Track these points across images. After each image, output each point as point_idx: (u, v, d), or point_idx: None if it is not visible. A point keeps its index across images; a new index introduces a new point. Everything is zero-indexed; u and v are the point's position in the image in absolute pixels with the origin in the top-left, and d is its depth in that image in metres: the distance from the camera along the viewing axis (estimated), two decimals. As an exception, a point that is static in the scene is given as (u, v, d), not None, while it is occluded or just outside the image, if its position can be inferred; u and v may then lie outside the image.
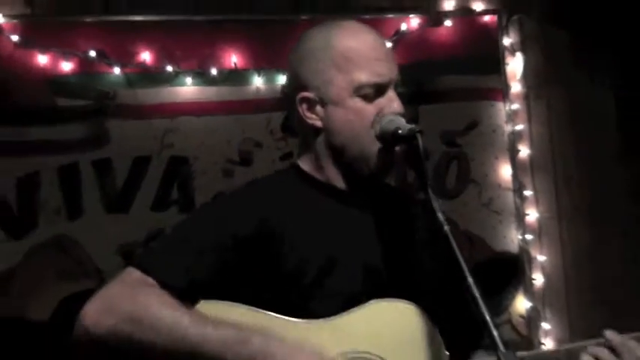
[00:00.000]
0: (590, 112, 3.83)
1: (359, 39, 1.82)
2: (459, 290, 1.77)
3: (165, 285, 1.72)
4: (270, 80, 3.51)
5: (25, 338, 3.17)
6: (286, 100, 1.92)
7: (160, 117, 3.43)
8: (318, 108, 1.83)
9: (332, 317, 1.74)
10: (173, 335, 1.66)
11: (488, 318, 1.51)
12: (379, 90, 1.80)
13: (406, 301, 1.77)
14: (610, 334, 1.72)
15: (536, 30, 3.79)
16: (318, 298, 1.77)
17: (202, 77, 3.46)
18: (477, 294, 1.53)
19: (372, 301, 1.76)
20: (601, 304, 3.60)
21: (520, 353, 1.69)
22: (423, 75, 3.57)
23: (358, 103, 1.80)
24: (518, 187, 3.67)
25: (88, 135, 3.36)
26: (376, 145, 1.79)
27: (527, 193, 3.68)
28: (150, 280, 1.73)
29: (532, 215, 3.66)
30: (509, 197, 3.66)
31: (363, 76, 1.79)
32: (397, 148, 1.78)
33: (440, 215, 1.61)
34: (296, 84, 1.87)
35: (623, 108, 3.85)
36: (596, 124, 3.83)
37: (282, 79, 3.49)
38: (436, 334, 1.77)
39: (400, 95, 1.82)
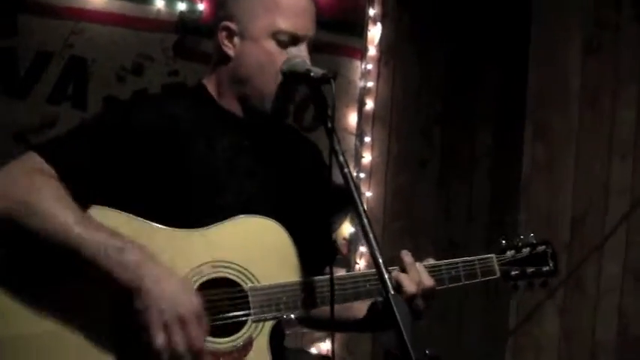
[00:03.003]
0: (422, 80, 4.52)
1: (299, 3, 1.93)
2: (324, 222, 2.10)
3: (63, 177, 1.77)
4: (170, 4, 3.82)
5: None
6: (211, 22, 2.02)
7: (67, 19, 3.64)
8: (236, 39, 1.93)
9: (206, 227, 1.84)
10: (58, 230, 1.69)
11: (380, 260, 1.61)
12: (293, 40, 1.91)
13: (272, 219, 1.89)
14: (404, 254, 1.96)
15: (393, 7, 4.37)
16: (198, 210, 1.87)
17: None
18: (372, 234, 1.64)
19: (241, 216, 1.88)
20: (408, 233, 4.41)
21: (341, 274, 1.95)
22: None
23: (272, 45, 1.90)
24: (360, 133, 4.26)
25: None
26: (276, 86, 1.90)
27: (367, 139, 4.28)
28: (47, 167, 1.78)
29: (367, 158, 4.29)
30: (352, 140, 4.24)
31: (284, 23, 1.89)
32: (300, 89, 1.89)
33: (341, 158, 1.73)
34: (223, 12, 1.96)
35: (449, 81, 4.61)
36: (427, 90, 4.54)
37: (181, 5, 3.82)
38: (295, 251, 1.90)
39: None
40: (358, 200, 1.70)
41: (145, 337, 1.70)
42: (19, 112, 3.59)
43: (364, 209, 1.70)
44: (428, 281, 1.95)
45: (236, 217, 1.87)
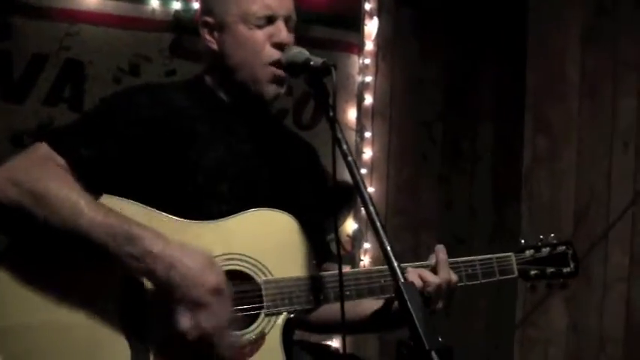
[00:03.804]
0: (422, 74, 4.50)
1: None
2: (319, 223, 2.07)
3: (72, 167, 1.78)
4: (165, 4, 3.82)
5: None
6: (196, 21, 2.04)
7: (62, 21, 3.63)
8: (216, 33, 1.95)
9: (217, 220, 1.84)
10: (68, 216, 1.69)
11: (389, 249, 1.58)
12: (268, 20, 1.91)
13: (286, 213, 1.89)
14: (439, 249, 1.97)
15: (389, 1, 4.35)
16: (205, 201, 1.87)
17: None
18: (379, 224, 1.61)
19: (254, 209, 1.87)
20: (411, 228, 4.38)
21: (355, 270, 1.96)
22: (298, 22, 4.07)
23: (247, 31, 1.91)
24: (360, 129, 4.25)
25: None
26: (266, 70, 1.90)
27: (367, 134, 4.27)
28: (57, 157, 1.79)
29: (367, 153, 4.27)
30: (352, 136, 4.22)
31: (254, 7, 1.90)
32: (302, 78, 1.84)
33: (344, 146, 1.71)
34: (202, 8, 2.01)
35: (448, 74, 4.59)
36: (426, 84, 4.52)
37: (176, 5, 3.82)
38: (308, 245, 1.90)
39: None
40: (363, 188, 1.67)
41: (166, 321, 1.69)
42: (15, 116, 3.59)
43: (370, 197, 1.68)
44: (455, 278, 1.96)
45: (250, 210, 1.86)
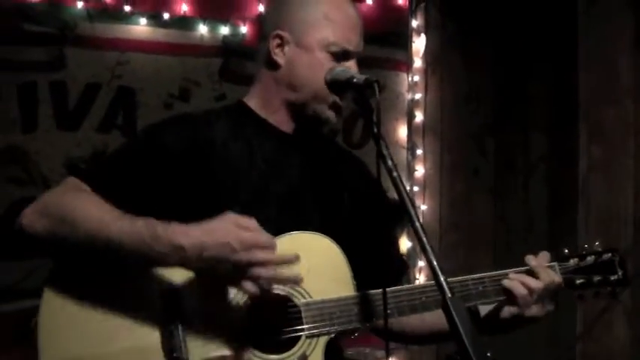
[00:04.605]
0: (471, 88, 4.48)
1: (345, 9, 1.97)
2: (386, 237, 2.09)
3: (97, 190, 1.81)
4: (213, 29, 3.88)
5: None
6: (260, 31, 2.06)
7: (113, 50, 3.72)
8: (287, 48, 1.95)
9: None
10: (97, 232, 1.72)
11: (435, 263, 1.57)
12: (345, 55, 1.93)
13: (325, 236, 1.87)
14: (529, 258, 1.96)
15: (436, 17, 4.36)
16: None
17: (155, 19, 3.78)
18: (425, 238, 1.60)
19: (294, 232, 1.86)
20: (466, 244, 4.34)
21: (397, 287, 1.90)
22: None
23: (325, 57, 1.92)
24: (411, 146, 4.25)
25: (47, 58, 3.61)
26: (329, 97, 1.91)
27: (419, 151, 4.26)
28: (85, 186, 1.83)
29: (420, 171, 4.26)
30: (403, 154, 4.23)
31: (338, 37, 1.92)
32: (347, 96, 1.88)
33: (389, 162, 1.70)
34: (276, 21, 1.98)
35: (497, 87, 4.56)
36: (476, 98, 4.49)
37: (223, 30, 3.88)
38: (348, 267, 1.88)
39: None
40: (409, 203, 1.66)
41: (222, 286, 1.74)
42: (70, 143, 3.66)
43: (416, 212, 1.67)
44: (558, 279, 1.98)
45: (289, 233, 1.85)
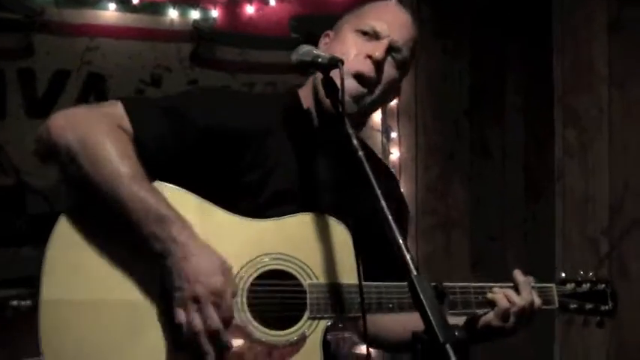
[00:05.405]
0: (446, 71, 4.45)
1: (391, 8, 2.08)
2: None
3: (135, 135, 1.78)
4: (183, 14, 3.82)
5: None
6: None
7: (82, 36, 3.66)
8: (328, 39, 2.06)
9: (274, 219, 1.86)
10: (109, 179, 1.69)
11: (400, 242, 1.55)
12: (376, 35, 1.96)
13: (339, 221, 1.88)
14: (517, 273, 2.01)
15: (411, 5, 4.31)
16: (265, 215, 1.86)
17: (124, 4, 3.73)
18: (391, 218, 1.59)
19: (313, 213, 1.87)
20: (442, 228, 4.33)
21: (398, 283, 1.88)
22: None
23: (352, 34, 1.98)
24: (385, 130, 4.21)
25: (14, 46, 3.56)
26: (350, 64, 1.90)
27: (393, 135, 4.22)
28: (126, 122, 1.79)
29: (395, 154, 4.23)
30: (378, 137, 4.19)
31: (370, 17, 1.99)
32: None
33: (355, 141, 1.69)
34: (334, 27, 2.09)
35: (473, 70, 4.53)
36: (451, 81, 4.47)
37: (194, 14, 3.83)
38: (354, 255, 1.84)
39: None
40: (374, 183, 1.65)
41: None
42: (40, 131, 3.59)
43: (379, 191, 1.64)
44: (538, 301, 2.02)
45: (304, 213, 1.87)
